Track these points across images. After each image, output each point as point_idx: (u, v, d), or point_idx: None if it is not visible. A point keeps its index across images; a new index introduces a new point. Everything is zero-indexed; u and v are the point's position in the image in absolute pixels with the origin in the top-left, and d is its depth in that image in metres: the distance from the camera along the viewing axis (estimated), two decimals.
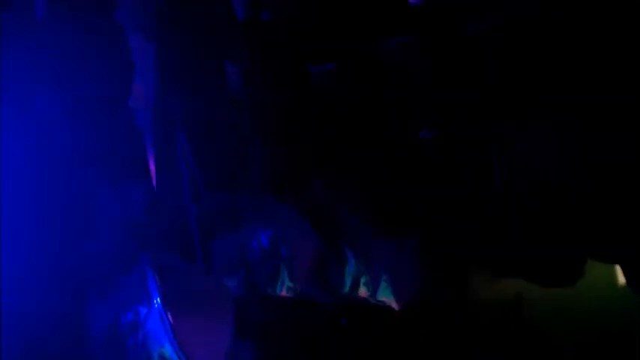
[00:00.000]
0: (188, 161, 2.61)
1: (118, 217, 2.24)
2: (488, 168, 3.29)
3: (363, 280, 2.63)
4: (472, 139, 3.20)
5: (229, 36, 3.00)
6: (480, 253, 3.27)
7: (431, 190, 3.35)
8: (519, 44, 3.16)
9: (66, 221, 2.19)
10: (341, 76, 3.33)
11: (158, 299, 1.91)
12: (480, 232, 3.29)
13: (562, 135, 3.14)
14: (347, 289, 2.64)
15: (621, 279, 3.11)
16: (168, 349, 1.87)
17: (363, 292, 2.64)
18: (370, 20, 3.25)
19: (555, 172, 3.16)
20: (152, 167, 2.79)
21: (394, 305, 2.73)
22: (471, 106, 3.25)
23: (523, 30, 3.14)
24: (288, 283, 2.46)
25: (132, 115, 2.58)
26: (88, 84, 2.37)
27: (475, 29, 3.23)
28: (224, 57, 3.02)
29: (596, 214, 3.04)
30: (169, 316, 1.89)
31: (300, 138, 3.17)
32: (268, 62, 3.10)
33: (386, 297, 2.70)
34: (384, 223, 2.91)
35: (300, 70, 3.21)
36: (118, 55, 2.53)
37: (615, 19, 2.89)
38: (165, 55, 2.84)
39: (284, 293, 2.49)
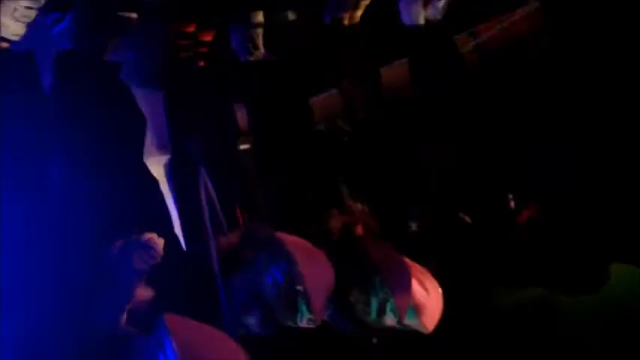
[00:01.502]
0: (212, 198, 2.64)
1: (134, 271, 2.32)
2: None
3: (389, 306, 2.60)
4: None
5: (233, 77, 3.08)
6: (502, 263, 3.28)
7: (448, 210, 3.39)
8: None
9: (85, 279, 2.29)
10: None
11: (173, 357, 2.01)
12: (500, 243, 3.32)
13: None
14: (374, 316, 2.63)
15: None
16: None
17: (389, 319, 2.61)
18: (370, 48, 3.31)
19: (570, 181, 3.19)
20: (174, 214, 2.86)
21: (423, 330, 2.71)
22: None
23: None
24: (307, 315, 2.47)
25: (145, 165, 2.68)
26: (100, 144, 2.48)
27: None
28: (230, 98, 3.11)
29: (617, 218, 3.05)
30: None
31: (315, 170, 3.23)
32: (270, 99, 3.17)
33: (412, 321, 2.68)
34: (406, 247, 2.91)
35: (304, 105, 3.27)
36: (128, 114, 2.63)
37: None
38: (177, 103, 2.94)
39: (304, 325, 2.52)
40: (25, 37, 2.33)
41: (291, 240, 2.56)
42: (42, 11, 2.34)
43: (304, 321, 2.49)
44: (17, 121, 2.26)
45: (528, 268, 3.22)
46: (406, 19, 3.41)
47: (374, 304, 2.62)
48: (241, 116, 3.31)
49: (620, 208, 3.10)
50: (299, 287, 2.45)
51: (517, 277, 3.25)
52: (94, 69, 2.50)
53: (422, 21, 3.39)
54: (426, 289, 2.70)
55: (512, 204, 3.37)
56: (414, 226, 3.38)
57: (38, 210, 2.28)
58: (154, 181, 2.72)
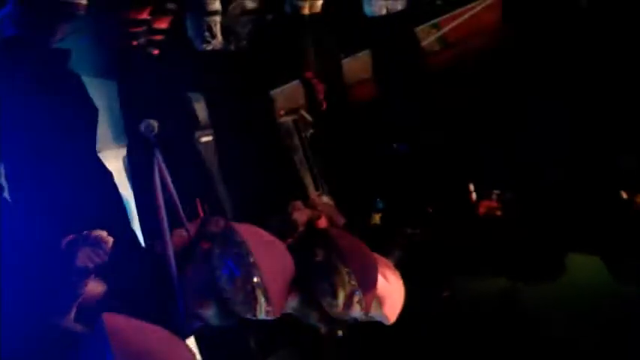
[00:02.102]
0: (169, 189, 2.58)
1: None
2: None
3: (356, 298, 2.58)
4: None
5: (190, 67, 3.03)
6: (467, 254, 3.28)
7: (417, 198, 3.38)
8: None
9: (36, 276, 2.26)
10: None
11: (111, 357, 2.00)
12: (467, 234, 3.31)
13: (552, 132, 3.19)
14: (340, 307, 2.60)
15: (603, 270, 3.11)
16: None
17: (356, 309, 2.58)
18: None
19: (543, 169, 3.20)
20: (130, 206, 2.81)
21: (386, 321, 2.70)
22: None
23: None
24: (266, 307, 2.44)
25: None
26: (50, 136, 2.43)
27: None
28: (187, 88, 3.05)
29: (576, 209, 3.06)
30: None
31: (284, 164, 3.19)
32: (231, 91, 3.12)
33: (377, 312, 2.67)
34: (373, 238, 2.89)
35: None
36: (79, 105, 2.57)
37: None
38: (131, 93, 2.89)
39: (264, 317, 2.48)
40: None
41: (247, 230, 2.50)
42: None
43: (263, 313, 2.46)
44: None
45: (489, 259, 3.22)
46: (368, 10, 3.39)
47: (341, 295, 2.59)
48: (201, 108, 3.26)
49: (578, 198, 3.11)
50: (256, 278, 2.41)
51: (478, 267, 3.26)
52: (42, 56, 2.43)
53: (384, 12, 3.36)
54: (388, 281, 2.69)
55: (473, 195, 3.37)
56: (377, 218, 3.36)
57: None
58: (108, 173, 2.66)
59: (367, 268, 2.64)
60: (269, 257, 2.48)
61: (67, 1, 2.39)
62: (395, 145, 3.42)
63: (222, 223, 2.63)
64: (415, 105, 3.45)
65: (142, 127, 2.39)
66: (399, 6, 3.38)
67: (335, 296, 2.59)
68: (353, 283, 2.57)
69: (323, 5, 3.28)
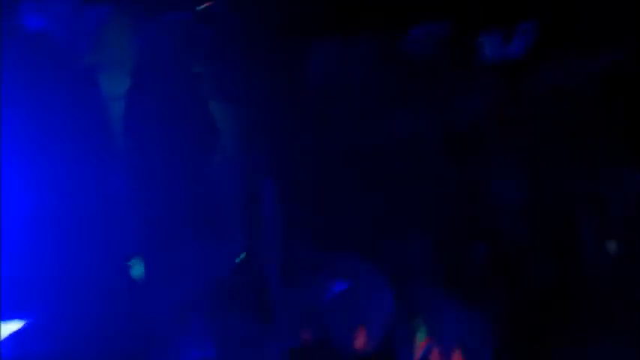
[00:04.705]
0: (276, 213, 2.60)
1: (197, 272, 2.31)
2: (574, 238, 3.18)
3: (434, 348, 2.55)
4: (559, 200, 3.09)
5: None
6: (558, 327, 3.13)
7: (509, 258, 3.25)
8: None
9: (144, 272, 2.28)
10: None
11: (211, 351, 2.03)
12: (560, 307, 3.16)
13: None
14: (419, 355, 2.57)
15: None
16: None
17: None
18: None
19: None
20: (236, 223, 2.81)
21: None
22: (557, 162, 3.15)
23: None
24: (363, 338, 2.42)
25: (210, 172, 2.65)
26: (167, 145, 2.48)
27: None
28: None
29: None
30: None
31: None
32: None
33: None
34: (457, 292, 2.84)
35: None
36: (198, 118, 2.61)
37: None
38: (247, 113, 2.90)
39: (356, 347, 2.44)
40: None
41: (356, 263, 2.52)
42: None
43: (357, 343, 2.42)
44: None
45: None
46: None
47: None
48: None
49: None
50: (360, 308, 2.39)
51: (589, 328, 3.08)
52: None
53: None
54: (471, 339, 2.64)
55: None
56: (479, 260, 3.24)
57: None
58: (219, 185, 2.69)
59: (448, 323, 2.63)
60: (376, 290, 2.47)
61: None
62: None
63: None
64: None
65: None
66: None
67: (412, 347, 2.56)
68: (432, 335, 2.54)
69: None
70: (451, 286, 2.83)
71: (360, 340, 2.44)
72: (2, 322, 2.15)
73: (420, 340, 2.60)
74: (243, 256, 2.69)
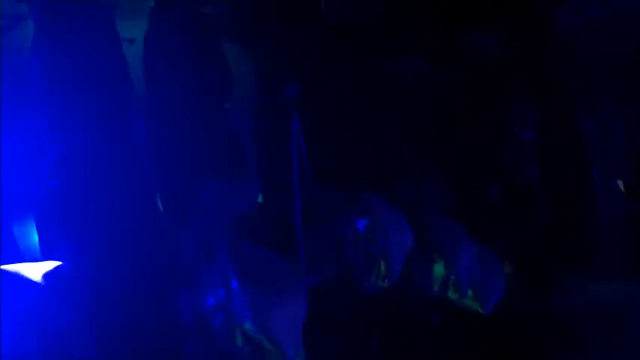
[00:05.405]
0: (301, 151, 2.64)
1: (216, 210, 2.37)
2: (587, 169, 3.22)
3: (451, 281, 2.64)
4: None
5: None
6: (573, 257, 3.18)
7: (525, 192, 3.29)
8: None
9: (165, 212, 2.35)
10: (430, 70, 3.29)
11: (235, 282, 2.07)
12: (573, 238, 3.21)
13: None
14: (436, 288, 2.66)
15: None
16: (248, 326, 2.04)
17: (451, 293, 2.65)
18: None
19: None
20: (258, 163, 2.87)
21: (481, 311, 2.70)
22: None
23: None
24: (384, 272, 2.47)
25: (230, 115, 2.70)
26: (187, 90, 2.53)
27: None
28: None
29: None
30: (247, 296, 2.06)
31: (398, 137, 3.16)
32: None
33: (472, 302, 2.69)
34: (470, 227, 2.89)
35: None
36: (215, 63, 2.66)
37: None
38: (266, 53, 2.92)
39: (379, 283, 2.50)
40: None
41: (376, 200, 2.57)
42: None
43: (380, 279, 2.48)
44: None
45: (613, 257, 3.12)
46: None
47: (436, 277, 2.63)
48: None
49: None
50: (380, 243, 2.45)
51: (598, 266, 3.15)
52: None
53: None
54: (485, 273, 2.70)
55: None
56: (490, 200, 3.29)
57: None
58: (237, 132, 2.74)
59: (462, 256, 2.67)
60: (395, 226, 2.52)
61: None
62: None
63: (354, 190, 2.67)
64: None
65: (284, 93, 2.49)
66: None
67: (429, 275, 2.65)
68: (447, 267, 2.60)
69: None
70: (465, 224, 2.87)
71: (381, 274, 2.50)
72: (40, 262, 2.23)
73: (438, 274, 2.67)
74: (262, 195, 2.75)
